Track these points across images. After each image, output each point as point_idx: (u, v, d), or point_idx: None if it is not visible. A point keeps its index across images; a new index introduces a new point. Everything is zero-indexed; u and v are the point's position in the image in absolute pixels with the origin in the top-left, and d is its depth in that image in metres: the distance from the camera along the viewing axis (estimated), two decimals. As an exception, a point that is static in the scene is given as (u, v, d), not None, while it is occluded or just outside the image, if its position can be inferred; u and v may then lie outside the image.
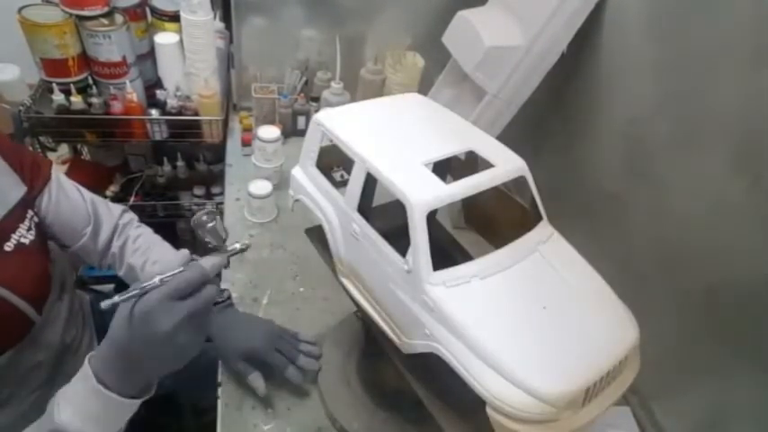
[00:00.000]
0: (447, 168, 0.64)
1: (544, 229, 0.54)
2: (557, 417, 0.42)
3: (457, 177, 0.51)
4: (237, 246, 0.56)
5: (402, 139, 0.55)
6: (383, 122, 0.57)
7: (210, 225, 0.53)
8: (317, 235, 0.64)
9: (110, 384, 0.51)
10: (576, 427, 0.44)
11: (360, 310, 0.58)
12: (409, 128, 0.57)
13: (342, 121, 0.56)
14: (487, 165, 0.53)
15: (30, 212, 0.72)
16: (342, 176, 0.62)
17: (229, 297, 0.79)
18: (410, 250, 0.47)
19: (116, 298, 0.48)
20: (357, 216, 0.53)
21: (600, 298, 0.50)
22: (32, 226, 0.71)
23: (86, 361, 0.52)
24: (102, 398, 0.51)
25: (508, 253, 0.50)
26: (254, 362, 0.72)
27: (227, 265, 0.55)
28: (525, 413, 0.41)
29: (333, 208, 0.57)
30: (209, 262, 0.52)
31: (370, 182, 0.52)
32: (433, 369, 0.49)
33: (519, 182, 0.54)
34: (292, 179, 0.63)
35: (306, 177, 0.61)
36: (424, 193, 0.47)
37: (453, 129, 0.59)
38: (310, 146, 0.59)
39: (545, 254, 0.51)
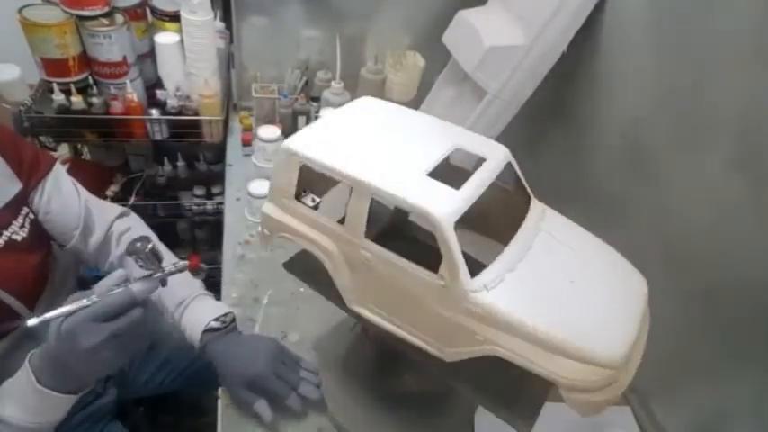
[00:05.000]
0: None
1: (537, 207, 0.54)
2: (617, 376, 0.45)
3: (449, 181, 0.50)
4: (172, 267, 0.60)
5: (387, 149, 0.52)
6: (357, 136, 0.55)
7: (147, 251, 0.57)
8: (300, 267, 0.62)
9: (46, 383, 0.58)
10: (631, 376, 0.48)
11: (363, 326, 0.57)
12: (387, 136, 0.55)
13: (316, 145, 0.52)
14: (472, 160, 0.53)
15: (25, 209, 0.72)
16: (313, 200, 0.59)
17: (233, 320, 0.77)
18: (443, 265, 0.46)
19: (45, 315, 0.54)
20: (367, 243, 0.51)
21: (608, 259, 0.53)
22: (26, 223, 0.72)
23: (27, 359, 0.59)
24: (40, 393, 0.58)
25: (520, 240, 0.51)
26: (256, 389, 0.70)
27: (163, 284, 0.59)
28: (595, 382, 0.44)
29: (329, 239, 0.54)
30: (138, 287, 0.56)
31: (375, 206, 0.50)
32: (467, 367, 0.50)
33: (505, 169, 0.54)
34: (264, 218, 0.58)
35: (282, 212, 0.56)
36: (444, 205, 0.45)
37: (429, 128, 0.57)
38: (284, 179, 0.54)
39: (549, 231, 0.52)
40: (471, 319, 0.47)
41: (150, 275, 0.58)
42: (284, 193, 0.55)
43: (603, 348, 0.44)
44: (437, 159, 0.51)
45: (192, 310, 0.77)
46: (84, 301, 0.54)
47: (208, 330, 0.74)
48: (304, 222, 0.55)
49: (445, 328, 0.49)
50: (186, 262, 0.62)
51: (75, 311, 0.54)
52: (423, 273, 0.48)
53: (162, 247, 0.84)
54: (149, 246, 0.57)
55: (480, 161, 0.52)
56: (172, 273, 0.60)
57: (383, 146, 0.53)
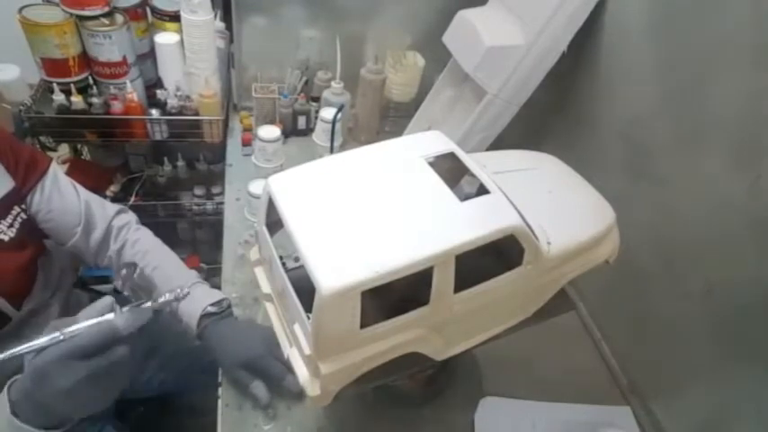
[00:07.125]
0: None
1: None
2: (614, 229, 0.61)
3: (448, 179, 0.51)
4: (169, 296, 0.53)
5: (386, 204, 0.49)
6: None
7: (134, 277, 0.51)
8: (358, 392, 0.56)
9: (24, 418, 0.52)
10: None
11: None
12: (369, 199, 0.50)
13: (368, 263, 0.43)
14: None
15: (16, 209, 0.72)
16: (296, 260, 0.52)
17: (229, 306, 0.78)
18: (527, 254, 0.51)
19: (11, 350, 0.48)
20: (456, 299, 0.50)
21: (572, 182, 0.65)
22: (15, 223, 0.71)
23: (6, 387, 0.53)
24: (19, 430, 0.52)
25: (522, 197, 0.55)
26: (253, 371, 0.71)
27: (156, 316, 0.52)
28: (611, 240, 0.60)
29: (415, 328, 0.50)
30: (123, 320, 0.50)
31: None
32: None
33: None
34: (326, 379, 0.48)
35: (345, 356, 0.48)
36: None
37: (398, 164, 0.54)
38: (340, 322, 0.45)
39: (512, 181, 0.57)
40: (551, 271, 0.55)
41: (139, 304, 0.51)
42: (344, 335, 0.46)
43: (607, 219, 0.60)
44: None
45: (189, 296, 0.77)
46: (58, 335, 0.48)
47: (205, 315, 0.75)
48: (383, 338, 0.48)
49: (532, 296, 0.57)
50: (188, 291, 0.55)
51: (46, 346, 0.48)
52: (511, 273, 0.52)
53: (170, 263, 0.83)
54: (135, 273, 0.51)
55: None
56: (166, 303, 0.53)
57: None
